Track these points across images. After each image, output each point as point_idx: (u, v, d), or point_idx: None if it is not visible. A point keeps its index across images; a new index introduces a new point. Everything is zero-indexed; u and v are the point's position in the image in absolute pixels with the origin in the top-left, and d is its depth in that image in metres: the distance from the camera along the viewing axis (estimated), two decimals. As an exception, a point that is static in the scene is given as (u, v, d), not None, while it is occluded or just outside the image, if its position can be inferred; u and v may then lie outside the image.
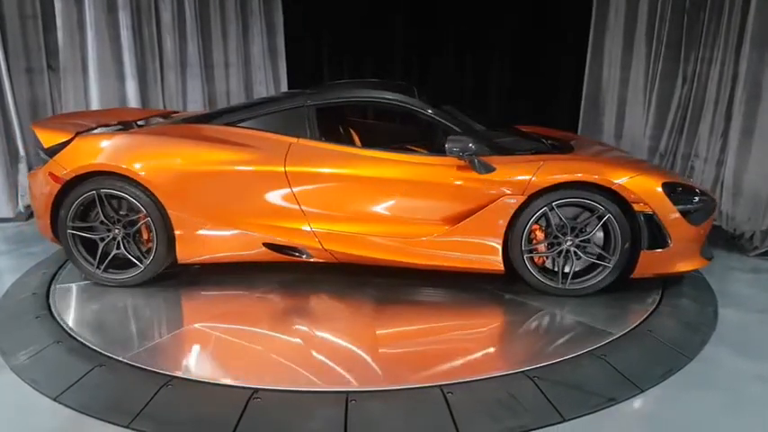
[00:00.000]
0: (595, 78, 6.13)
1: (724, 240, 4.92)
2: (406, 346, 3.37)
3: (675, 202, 3.59)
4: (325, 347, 3.26)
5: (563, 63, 6.65)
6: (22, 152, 5.71)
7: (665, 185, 3.60)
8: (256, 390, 2.79)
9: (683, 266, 3.76)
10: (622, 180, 3.57)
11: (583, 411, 2.69)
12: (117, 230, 3.85)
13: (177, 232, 3.81)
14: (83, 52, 6.00)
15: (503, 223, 3.65)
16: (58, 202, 3.83)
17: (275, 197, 3.78)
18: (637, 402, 2.79)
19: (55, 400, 2.78)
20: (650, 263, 3.68)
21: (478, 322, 3.60)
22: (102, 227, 3.85)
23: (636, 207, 3.56)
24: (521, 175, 3.62)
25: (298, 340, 3.35)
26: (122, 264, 3.92)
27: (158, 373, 2.94)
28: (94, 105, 6.08)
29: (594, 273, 3.73)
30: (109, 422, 2.62)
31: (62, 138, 3.89)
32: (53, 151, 3.88)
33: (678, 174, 5.20)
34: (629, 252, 3.64)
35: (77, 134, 3.91)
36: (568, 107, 6.56)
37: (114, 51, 6.10)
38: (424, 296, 3.91)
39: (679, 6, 5.38)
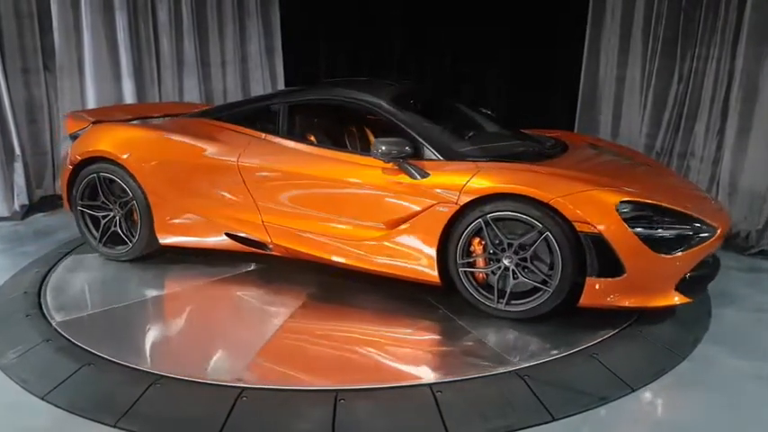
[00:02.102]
0: (592, 77, 6.10)
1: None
2: (302, 344, 3.28)
3: (634, 225, 3.12)
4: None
5: (559, 62, 6.63)
6: (18, 151, 5.69)
7: (622, 204, 3.14)
8: (243, 389, 2.78)
9: (646, 301, 3.22)
10: (563, 195, 3.15)
11: (573, 411, 2.67)
12: (115, 210, 4.24)
13: (155, 216, 4.12)
14: (79, 52, 6.00)
15: (436, 233, 3.40)
16: (71, 182, 4.34)
17: (231, 189, 3.96)
18: (628, 402, 2.76)
19: (43, 398, 2.78)
20: (600, 292, 3.19)
21: (394, 330, 3.41)
22: (104, 206, 4.28)
23: (578, 227, 3.12)
24: (454, 182, 3.36)
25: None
26: (118, 240, 4.30)
27: (146, 371, 2.93)
28: (91, 106, 6.08)
29: (535, 296, 3.33)
30: (96, 421, 2.62)
31: (82, 126, 4.45)
32: (75, 137, 4.47)
33: (694, 186, 4.34)
34: (572, 277, 3.21)
35: (93, 123, 4.42)
36: (565, 106, 6.54)
37: (111, 51, 6.10)
38: (357, 299, 3.75)
39: (675, 4, 5.35)
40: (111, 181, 4.21)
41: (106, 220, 4.28)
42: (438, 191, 3.40)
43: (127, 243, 4.25)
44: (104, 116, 4.60)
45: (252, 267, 4.24)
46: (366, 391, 2.81)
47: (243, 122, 4.17)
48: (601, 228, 3.09)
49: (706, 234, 3.26)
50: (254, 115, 4.22)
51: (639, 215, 3.17)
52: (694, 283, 3.33)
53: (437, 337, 3.43)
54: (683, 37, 5.35)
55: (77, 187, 4.29)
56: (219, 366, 3.05)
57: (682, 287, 3.25)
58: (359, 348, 3.25)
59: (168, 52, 6.46)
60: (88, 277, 4.17)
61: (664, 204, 3.25)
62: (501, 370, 2.94)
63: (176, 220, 4.13)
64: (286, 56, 7.24)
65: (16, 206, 5.68)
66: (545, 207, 3.16)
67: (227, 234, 4.04)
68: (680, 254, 3.18)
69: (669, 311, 3.44)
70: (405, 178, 3.49)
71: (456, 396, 2.76)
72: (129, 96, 6.21)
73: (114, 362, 3.02)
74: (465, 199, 3.31)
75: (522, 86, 6.85)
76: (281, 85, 7.13)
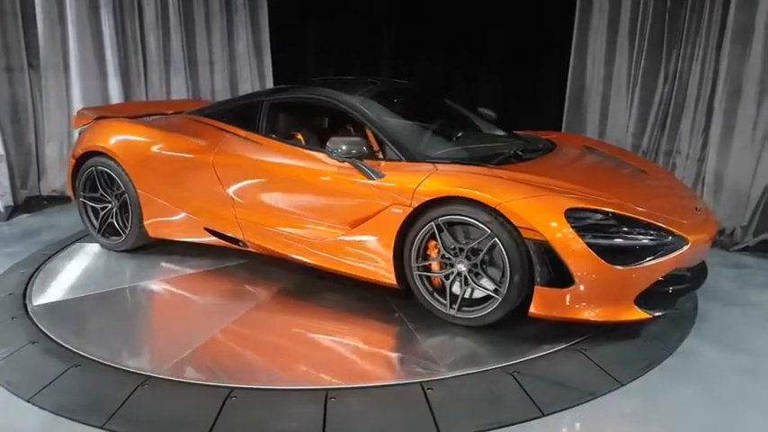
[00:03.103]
0: (579, 77, 6.14)
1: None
2: (242, 341, 3.31)
3: (584, 234, 2.98)
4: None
5: (547, 62, 6.66)
6: (1, 151, 5.63)
7: (571, 211, 3.01)
8: (233, 388, 2.77)
9: (602, 315, 3.06)
10: (509, 200, 3.05)
11: (563, 406, 2.69)
12: (113, 203, 4.43)
13: (143, 209, 4.27)
14: (64, 50, 5.95)
15: (391, 235, 3.34)
16: (74, 175, 4.55)
17: (208, 185, 4.04)
18: (617, 397, 2.78)
19: (29, 401, 2.74)
20: (549, 302, 3.07)
21: (341, 330, 3.40)
22: (103, 198, 4.47)
23: (525, 233, 3.02)
24: (407, 184, 3.31)
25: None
26: (114, 231, 4.49)
27: (134, 372, 2.91)
28: (76, 104, 6.03)
29: (486, 304, 3.23)
30: (84, 423, 2.59)
31: (87, 122, 4.66)
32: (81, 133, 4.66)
33: (688, 193, 4.00)
34: (521, 286, 3.11)
35: (96, 119, 4.62)
36: (553, 106, 6.57)
37: (96, 49, 6.06)
38: (319, 298, 3.76)
39: (661, 4, 5.40)
40: (110, 175, 4.38)
41: (104, 211, 4.47)
42: (392, 192, 3.35)
43: (121, 234, 4.42)
44: (112, 113, 4.80)
45: (237, 262, 4.29)
46: (357, 390, 2.81)
47: (228, 120, 4.25)
48: (547, 235, 2.97)
49: (672, 246, 3.08)
50: (239, 113, 4.28)
51: (592, 224, 3.03)
52: (660, 298, 3.13)
53: (386, 338, 3.39)
54: (668, 37, 5.40)
55: (79, 179, 4.52)
56: (145, 357, 3.13)
57: (643, 301, 3.07)
58: (299, 347, 3.25)
59: (155, 50, 6.42)
60: (73, 278, 4.14)
61: (621, 213, 3.09)
62: (490, 366, 2.96)
63: (163, 214, 4.26)
64: (275, 54, 7.22)
65: (0, 207, 5.62)
66: (493, 212, 3.07)
67: (206, 229, 4.14)
68: (638, 266, 3.01)
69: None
70: (362, 178, 3.47)
71: (446, 393, 2.77)
72: (115, 95, 6.17)
73: (102, 363, 3.00)
74: (418, 201, 3.24)
75: (510, 86, 6.88)
76: (269, 84, 7.12)
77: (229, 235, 4.05)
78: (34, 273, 4.15)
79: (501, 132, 4.33)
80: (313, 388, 2.82)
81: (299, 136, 4.07)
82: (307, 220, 3.72)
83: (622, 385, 2.85)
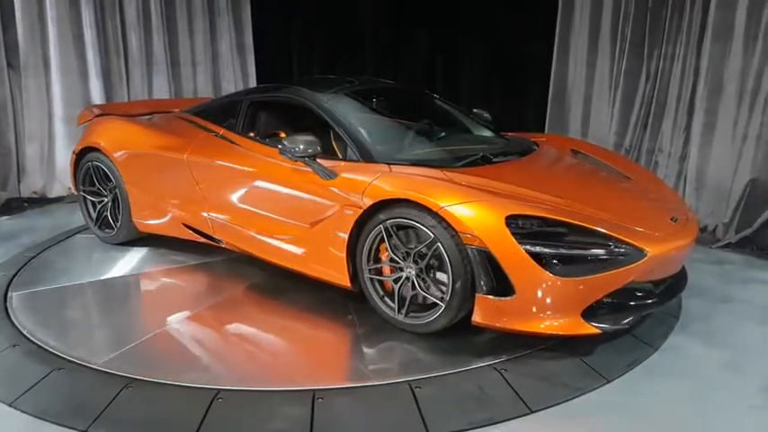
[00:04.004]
0: (561, 77, 6.19)
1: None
2: (188, 336, 3.33)
3: (524, 241, 2.84)
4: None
5: (529, 62, 6.70)
6: (-18, 152, 5.55)
7: (513, 218, 2.88)
8: (219, 390, 2.75)
9: (543, 328, 2.91)
10: (450, 204, 2.95)
11: (550, 402, 2.70)
12: (108, 197, 4.55)
13: (131, 204, 4.39)
14: (44, 50, 5.87)
15: (343, 236, 3.28)
16: (76, 170, 4.70)
17: (184, 182, 4.11)
18: (603, 393, 2.80)
19: (11, 405, 2.69)
20: (491, 312, 2.95)
21: (286, 329, 3.40)
22: (99, 192, 4.61)
23: (465, 239, 2.90)
24: (357, 185, 3.26)
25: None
26: (108, 224, 4.62)
27: (118, 375, 2.87)
28: (57, 104, 5.96)
29: (432, 311, 3.12)
30: (67, 426, 2.55)
31: (88, 118, 4.79)
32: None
33: (669, 200, 3.73)
34: (463, 293, 2.97)
35: (96, 116, 4.74)
36: (535, 106, 6.61)
37: (77, 49, 5.99)
38: (282, 296, 3.76)
39: (642, 4, 5.46)
40: (104, 170, 4.51)
41: (101, 205, 4.62)
42: (343, 193, 3.31)
43: (113, 228, 4.56)
44: (118, 111, 4.93)
45: (221, 258, 4.33)
46: (345, 390, 2.80)
47: (211, 118, 4.30)
48: (487, 241, 2.85)
49: (627, 257, 2.91)
50: (222, 111, 4.32)
51: (536, 231, 2.89)
52: (613, 312, 2.98)
53: (328, 340, 3.35)
54: (649, 36, 5.47)
55: (79, 174, 4.67)
56: (88, 349, 3.14)
57: (593, 315, 2.92)
58: (248, 346, 3.25)
59: (137, 50, 6.36)
60: (54, 280, 4.06)
61: (569, 221, 2.93)
62: (478, 365, 2.96)
63: (148, 209, 4.36)
64: (258, 54, 7.18)
65: (-19, 208, 5.53)
66: (437, 216, 2.97)
67: (185, 225, 4.22)
68: (585, 277, 2.85)
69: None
70: (316, 178, 3.44)
71: (435, 391, 2.77)
72: (96, 95, 6.10)
73: (85, 365, 2.96)
74: (367, 203, 3.18)
75: (494, 86, 6.91)
76: (252, 84, 7.07)
77: (204, 232, 4.11)
78: (15, 275, 4.09)
79: (487, 134, 4.28)
80: (301, 389, 2.79)
81: (274, 135, 4.06)
82: (269, 219, 3.72)
83: (608, 381, 2.87)
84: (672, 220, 3.30)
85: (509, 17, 6.68)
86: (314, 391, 2.76)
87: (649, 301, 3.12)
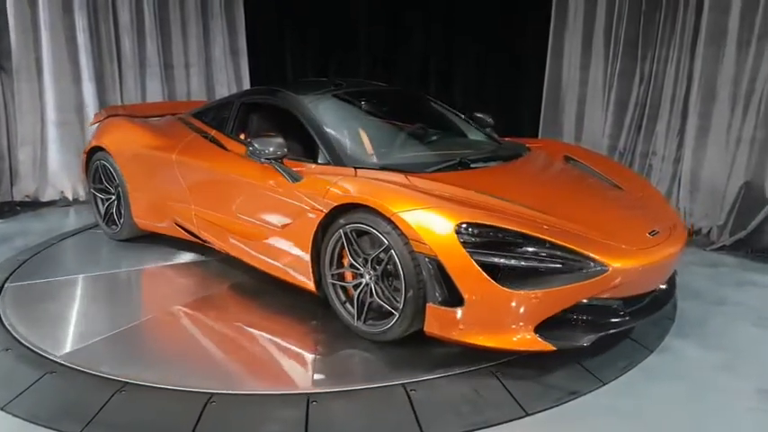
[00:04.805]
0: (555, 79, 6.20)
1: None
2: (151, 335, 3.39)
3: (474, 251, 2.72)
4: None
5: (523, 64, 6.72)
6: (-27, 155, 5.51)
7: (464, 226, 2.76)
8: (213, 394, 2.73)
9: (496, 342, 2.79)
10: (403, 210, 2.86)
11: (546, 405, 2.69)
12: (113, 195, 4.67)
13: (131, 202, 4.52)
14: (37, 53, 5.84)
15: (308, 240, 3.24)
16: (87, 169, 4.88)
17: (173, 182, 4.21)
18: (599, 395, 2.79)
19: (2, 409, 2.67)
20: (441, 322, 2.84)
21: (251, 331, 3.38)
22: (107, 190, 4.74)
23: (415, 246, 2.81)
24: (318, 189, 3.23)
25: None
26: (113, 221, 4.77)
27: (111, 378, 2.85)
28: (50, 108, 5.93)
29: (388, 319, 3.02)
30: (60, 431, 2.52)
31: (100, 119, 4.99)
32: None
33: (654, 207, 3.57)
34: (415, 302, 2.87)
35: (107, 117, 4.92)
36: (529, 109, 6.63)
37: (70, 52, 5.96)
38: (256, 298, 3.77)
39: (635, 7, 5.48)
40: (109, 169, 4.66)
41: (108, 203, 4.77)
42: (306, 197, 3.29)
43: (117, 224, 4.73)
44: (131, 112, 5.12)
45: (218, 257, 4.32)
46: (339, 393, 2.78)
47: (206, 120, 4.38)
48: (436, 249, 2.76)
49: (586, 272, 2.76)
50: (216, 113, 4.38)
51: (488, 241, 2.76)
52: (574, 329, 2.85)
53: (288, 344, 3.28)
54: (643, 39, 5.49)
55: (90, 173, 4.84)
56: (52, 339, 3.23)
57: (549, 331, 2.79)
58: (212, 346, 3.23)
59: (130, 53, 6.33)
60: (46, 284, 4.03)
61: (526, 231, 2.79)
62: (473, 367, 2.95)
63: (145, 208, 4.49)
64: (252, 57, 7.17)
65: (-29, 212, 5.49)
66: (391, 222, 2.89)
67: (176, 224, 4.32)
68: (538, 290, 2.71)
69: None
70: (283, 181, 3.43)
71: (430, 394, 2.75)
72: (89, 99, 6.07)
73: (78, 369, 2.93)
74: (327, 207, 3.14)
75: (488, 88, 6.92)
76: (246, 87, 7.05)
77: (193, 231, 4.20)
78: (7, 279, 4.06)
79: (481, 138, 4.20)
80: (294, 393, 2.78)
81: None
82: (244, 220, 3.73)
83: (604, 384, 2.86)
84: (650, 233, 3.11)
85: (503, 18, 6.69)
86: (308, 394, 2.74)
87: (616, 320, 2.94)
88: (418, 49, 7.18)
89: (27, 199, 5.98)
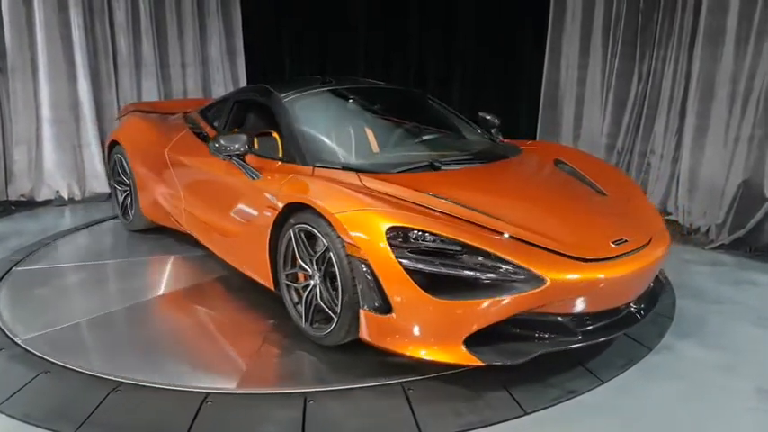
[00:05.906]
0: (553, 79, 6.20)
1: (680, 234, 4.99)
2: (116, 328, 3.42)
3: (403, 257, 2.60)
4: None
5: (521, 64, 6.72)
6: (-32, 155, 5.47)
7: (392, 229, 2.65)
8: (208, 393, 2.70)
9: (425, 353, 2.67)
10: (342, 211, 2.78)
11: (544, 404, 2.67)
12: (129, 188, 4.84)
13: (139, 195, 4.69)
14: (32, 52, 5.81)
15: (265, 237, 3.19)
16: (109, 162, 5.13)
17: (168, 177, 4.35)
18: (598, 394, 2.78)
19: (-4, 409, 2.64)
20: (373, 329, 2.75)
21: (204, 324, 3.42)
22: (124, 183, 4.90)
23: (348, 249, 2.73)
24: (274, 186, 3.21)
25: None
26: (127, 212, 4.94)
27: (106, 378, 2.82)
28: (45, 107, 5.90)
29: (329, 323, 2.95)
30: (54, 431, 2.49)
31: (122, 115, 5.28)
32: None
33: (637, 217, 3.32)
34: (351, 308, 2.80)
35: (128, 113, 5.15)
36: (527, 108, 6.62)
37: (66, 51, 5.93)
38: (234, 294, 3.77)
39: (633, 7, 5.47)
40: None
41: (125, 194, 4.93)
42: (263, 194, 3.26)
43: (130, 216, 4.93)
44: (151, 109, 5.27)
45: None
46: (337, 392, 2.76)
47: (207, 117, 4.45)
48: (366, 252, 2.67)
49: (520, 284, 2.59)
50: (216, 111, 4.43)
51: (420, 247, 2.64)
52: (501, 343, 2.70)
53: (236, 343, 3.24)
54: (641, 39, 5.48)
55: (110, 166, 5.09)
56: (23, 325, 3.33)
57: (478, 344, 2.64)
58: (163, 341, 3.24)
59: (126, 53, 6.31)
60: (40, 284, 4.00)
61: (459, 239, 2.65)
62: (471, 366, 2.92)
63: (150, 201, 4.64)
64: (249, 56, 7.16)
65: (-34, 211, 5.46)
66: (330, 224, 2.82)
67: (174, 218, 4.43)
68: (464, 301, 2.57)
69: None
70: (245, 178, 3.42)
71: (428, 393, 2.74)
72: (84, 98, 6.04)
73: (72, 369, 2.90)
74: (280, 205, 3.09)
75: (485, 88, 6.91)
76: (242, 86, 7.04)
77: (183, 225, 4.32)
78: (1, 279, 4.03)
79: (475, 138, 4.10)
80: (291, 392, 2.76)
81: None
82: (217, 216, 3.78)
83: (603, 383, 2.85)
84: (615, 242, 2.89)
85: (501, 19, 6.69)
86: (305, 393, 2.72)
87: (564, 338, 2.75)
88: (415, 49, 7.17)
89: (22, 198, 5.94)
